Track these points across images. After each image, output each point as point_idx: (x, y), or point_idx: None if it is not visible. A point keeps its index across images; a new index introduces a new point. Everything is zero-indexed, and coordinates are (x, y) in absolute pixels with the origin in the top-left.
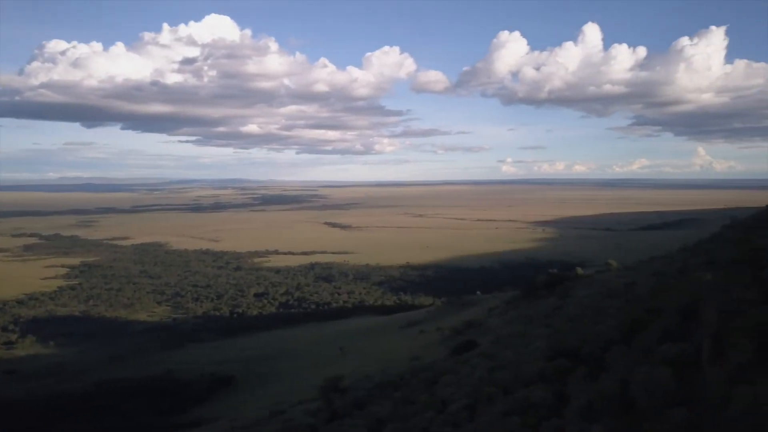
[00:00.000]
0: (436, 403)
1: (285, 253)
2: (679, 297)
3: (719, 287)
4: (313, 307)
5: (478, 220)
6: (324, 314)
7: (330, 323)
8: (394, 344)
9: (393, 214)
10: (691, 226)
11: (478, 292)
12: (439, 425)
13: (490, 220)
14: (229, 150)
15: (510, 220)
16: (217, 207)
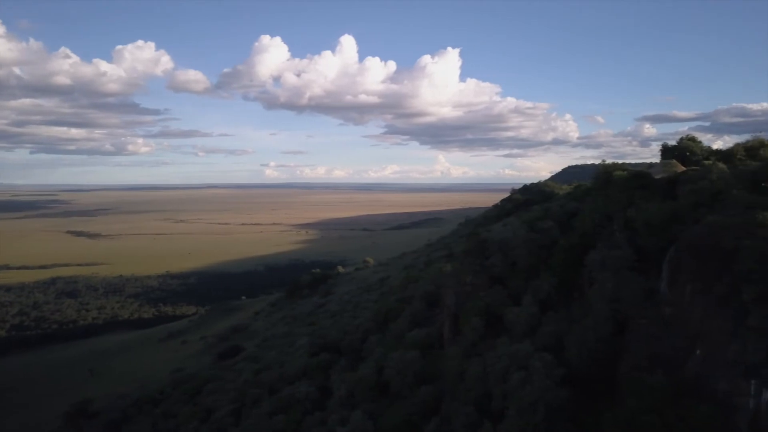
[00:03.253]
0: (200, 413)
1: (17, 268)
2: (425, 286)
3: (456, 275)
4: (55, 327)
5: (243, 224)
6: (69, 334)
7: (77, 343)
8: (154, 358)
9: (150, 220)
10: (434, 225)
11: (244, 297)
12: None
13: (255, 224)
14: None
15: (274, 224)
16: None
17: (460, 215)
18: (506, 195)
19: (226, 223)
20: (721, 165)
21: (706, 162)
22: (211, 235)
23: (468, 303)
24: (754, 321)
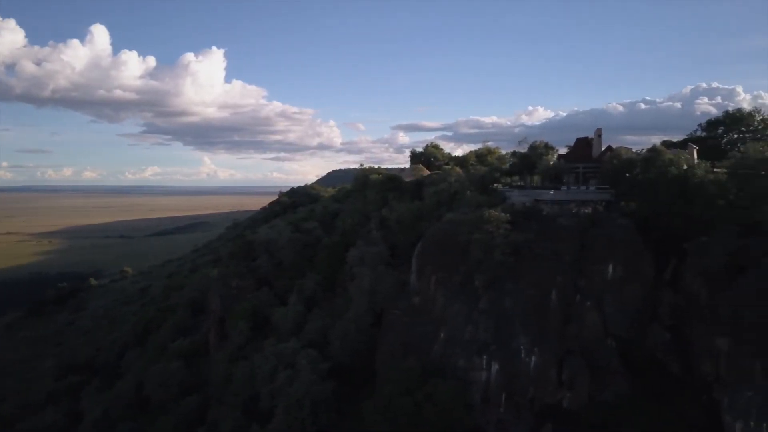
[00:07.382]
0: None
1: None
2: (190, 293)
3: (222, 279)
4: None
5: None
6: None
7: None
8: None
9: None
10: (201, 229)
11: None
12: None
13: None
14: None
15: (9, 233)
16: None
17: (229, 219)
18: (275, 197)
19: None
20: (458, 169)
21: (447, 167)
22: None
23: (235, 306)
24: (484, 304)
